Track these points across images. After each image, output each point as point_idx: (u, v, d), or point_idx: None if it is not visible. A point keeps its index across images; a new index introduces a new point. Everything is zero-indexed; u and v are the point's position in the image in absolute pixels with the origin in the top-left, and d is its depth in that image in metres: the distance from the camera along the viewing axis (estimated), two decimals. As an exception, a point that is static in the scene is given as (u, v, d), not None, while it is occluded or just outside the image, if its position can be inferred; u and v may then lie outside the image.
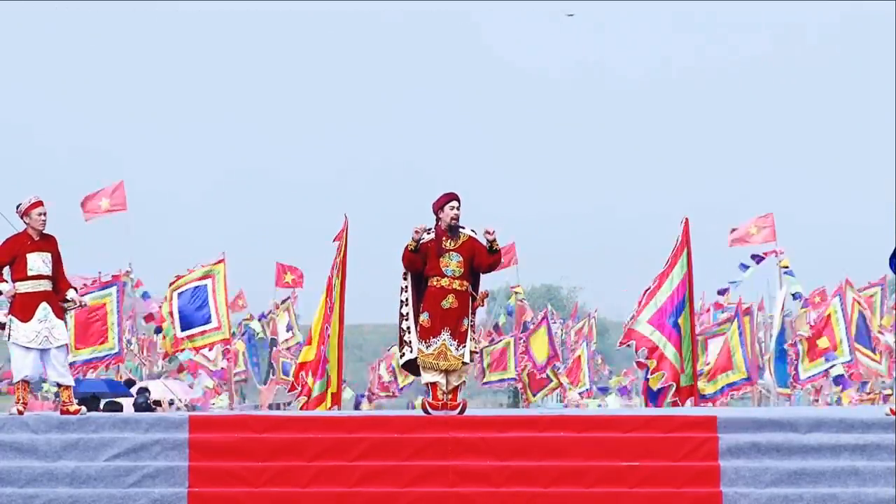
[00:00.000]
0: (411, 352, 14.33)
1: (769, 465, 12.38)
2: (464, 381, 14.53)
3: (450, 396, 14.29)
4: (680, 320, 19.69)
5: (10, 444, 12.66)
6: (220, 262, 28.17)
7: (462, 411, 14.13)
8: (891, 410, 13.60)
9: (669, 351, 19.45)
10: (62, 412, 13.95)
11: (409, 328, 14.33)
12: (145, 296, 31.87)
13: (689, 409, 17.67)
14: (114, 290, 26.67)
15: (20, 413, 13.85)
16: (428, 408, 14.23)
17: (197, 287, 27.80)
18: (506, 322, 44.44)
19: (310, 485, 12.36)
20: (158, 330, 32.07)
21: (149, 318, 32.36)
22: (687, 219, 20.36)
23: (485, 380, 38.87)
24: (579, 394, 44.07)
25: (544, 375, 38.14)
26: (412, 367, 14.51)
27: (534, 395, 38.13)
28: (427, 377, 14.32)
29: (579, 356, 47.33)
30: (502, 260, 14.58)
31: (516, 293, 41.30)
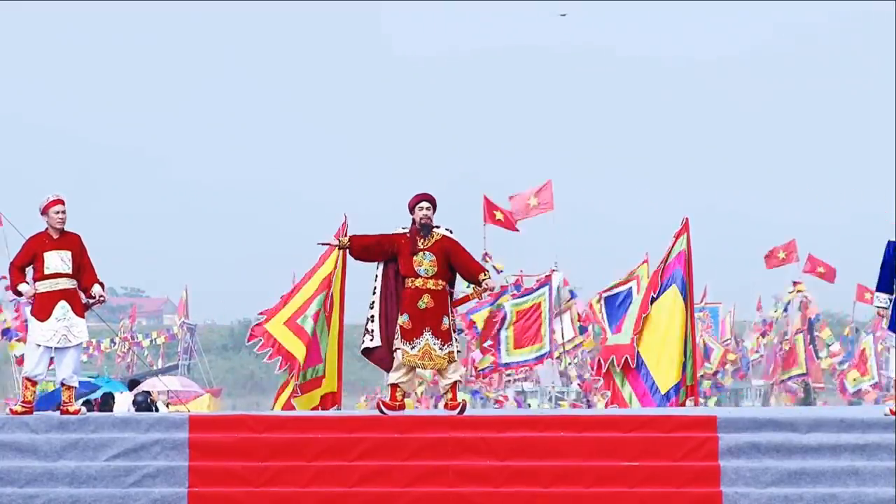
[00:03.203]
0: (372, 340, 14.36)
1: (769, 465, 12.38)
2: (461, 378, 14.51)
3: (449, 395, 14.26)
4: (637, 308, 19.36)
5: (10, 444, 12.67)
6: (643, 262, 27.09)
7: (462, 411, 14.10)
8: (890, 410, 13.58)
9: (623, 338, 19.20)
10: (62, 412, 13.92)
11: (373, 317, 14.37)
12: (572, 294, 31.52)
13: (689, 409, 17.64)
14: (546, 290, 26.33)
15: (13, 413, 13.81)
16: (383, 407, 14.20)
17: (621, 292, 26.32)
18: (780, 318, 42.62)
19: (310, 485, 12.36)
20: (583, 329, 32.66)
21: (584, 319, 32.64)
22: (687, 218, 20.28)
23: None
24: (871, 386, 42.53)
25: None
26: (370, 354, 14.54)
27: None
28: (392, 377, 14.31)
29: (864, 349, 44.72)
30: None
31: (799, 290, 39.48)
